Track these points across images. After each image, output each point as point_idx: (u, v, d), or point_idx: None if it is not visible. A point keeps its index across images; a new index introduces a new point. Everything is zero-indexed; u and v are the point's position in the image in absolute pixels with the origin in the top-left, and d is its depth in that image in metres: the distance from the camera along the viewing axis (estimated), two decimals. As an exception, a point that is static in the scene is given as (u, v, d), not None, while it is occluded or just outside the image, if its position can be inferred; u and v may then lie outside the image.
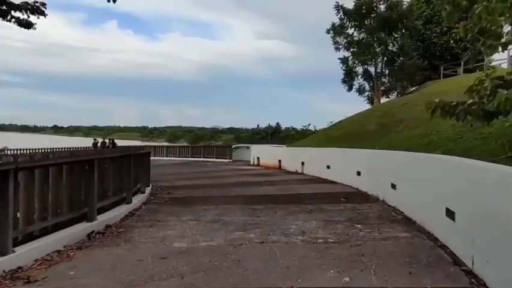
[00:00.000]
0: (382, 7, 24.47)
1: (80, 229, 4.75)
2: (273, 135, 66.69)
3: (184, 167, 19.29)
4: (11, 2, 16.31)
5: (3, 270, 3.41)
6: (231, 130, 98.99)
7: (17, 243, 3.78)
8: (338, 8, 24.09)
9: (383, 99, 26.81)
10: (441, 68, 25.96)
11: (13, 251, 3.62)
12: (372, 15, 24.14)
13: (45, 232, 4.33)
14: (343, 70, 26.09)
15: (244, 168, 17.07)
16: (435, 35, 28.06)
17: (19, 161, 4.07)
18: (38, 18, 16.81)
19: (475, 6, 5.24)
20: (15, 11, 16.32)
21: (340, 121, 21.76)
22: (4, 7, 16.26)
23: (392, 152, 7.64)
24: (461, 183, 4.06)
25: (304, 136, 31.36)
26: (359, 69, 26.31)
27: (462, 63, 25.26)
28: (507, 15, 5.23)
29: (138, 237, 4.81)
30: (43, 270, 3.60)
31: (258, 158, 19.46)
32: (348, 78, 26.29)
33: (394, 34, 25.01)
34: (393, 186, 6.96)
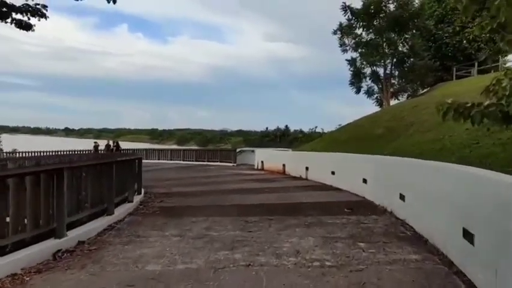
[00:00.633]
0: (391, 6, 23.75)
1: (46, 247, 4.23)
2: (282, 137, 66.07)
3: (187, 171, 18.79)
4: (12, 4, 16.08)
5: None
6: (239, 132, 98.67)
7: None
8: (345, 8, 23.45)
9: (393, 102, 26.01)
10: (454, 69, 25.05)
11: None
12: (381, 15, 23.42)
13: (2, 252, 3.81)
14: (350, 71, 25.44)
15: (247, 173, 16.48)
16: (447, 35, 27.18)
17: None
18: (39, 20, 16.55)
19: (494, -3, 4.59)
20: (16, 13, 16.09)
21: (347, 124, 21.05)
22: (4, 9, 16.03)
23: (401, 159, 6.97)
24: (483, 201, 3.41)
25: (311, 139, 30.67)
26: (367, 70, 25.64)
27: (476, 64, 24.31)
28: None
29: (110, 257, 4.25)
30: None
31: (262, 162, 18.87)
32: (356, 80, 25.60)
33: (404, 34, 24.23)
34: (402, 197, 6.30)
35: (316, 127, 40.08)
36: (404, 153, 10.97)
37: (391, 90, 25.78)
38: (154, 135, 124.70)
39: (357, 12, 23.40)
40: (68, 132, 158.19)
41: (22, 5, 15.97)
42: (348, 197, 8.93)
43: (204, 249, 4.53)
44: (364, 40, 24.33)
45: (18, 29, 16.03)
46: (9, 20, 15.99)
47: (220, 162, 23.54)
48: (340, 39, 24.32)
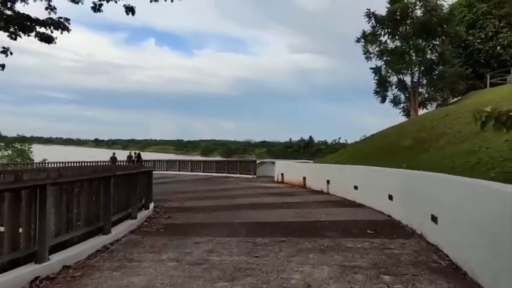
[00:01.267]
0: (419, 12, 22.67)
1: (23, 274, 3.77)
2: (306, 148, 65.12)
3: (205, 183, 18.38)
4: (36, 18, 16.47)
5: None
6: (263, 143, 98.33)
7: None
8: (369, 15, 22.59)
9: (421, 111, 24.69)
10: (488, 77, 23.52)
11: None
12: (408, 21, 22.40)
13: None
14: (375, 80, 24.37)
15: (266, 186, 15.84)
16: (479, 40, 25.73)
17: None
18: (62, 33, 16.86)
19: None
20: (40, 27, 16.47)
21: (372, 135, 20.03)
22: (28, 23, 16.43)
23: (432, 175, 6.14)
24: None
25: (334, 150, 29.68)
26: (393, 78, 24.49)
27: (512, 71, 22.74)
28: None
29: (92, 287, 3.74)
30: None
31: (282, 174, 18.18)
32: (381, 88, 24.50)
33: (433, 41, 23.02)
34: (434, 218, 5.47)
35: (339, 138, 39.03)
36: (434, 167, 9.99)
37: (419, 99, 24.49)
38: (179, 146, 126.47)
39: (382, 19, 22.50)
40: (97, 143, 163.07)
41: (46, 18, 16.34)
42: (371, 215, 8.11)
43: (200, 279, 3.93)
44: (389, 48, 23.30)
45: (42, 42, 16.38)
46: (33, 34, 16.38)
47: (240, 174, 23.03)
48: (364, 47, 23.43)
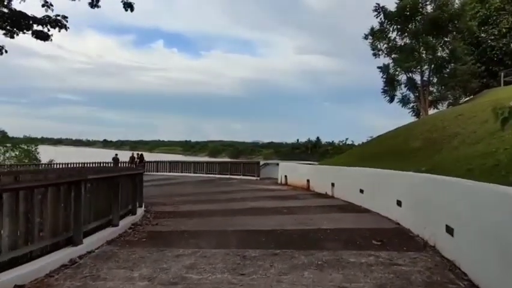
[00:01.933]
0: (429, 8, 21.80)
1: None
2: (313, 149, 64.26)
3: (206, 185, 17.79)
4: (33, 16, 16.09)
5: None
6: (271, 144, 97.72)
7: None
8: (378, 9, 21.77)
9: (431, 111, 23.78)
10: (502, 75, 22.53)
11: None
12: (418, 17, 21.53)
13: None
14: (383, 79, 23.51)
15: (268, 189, 15.17)
16: (492, 37, 24.75)
17: None
18: (60, 31, 16.48)
19: None
20: (37, 25, 16.10)
21: (379, 136, 19.23)
22: (26, 21, 16.06)
23: (446, 180, 5.42)
24: None
25: (341, 151, 28.86)
26: (402, 77, 23.61)
27: (528, 68, 21.73)
28: None
29: (39, 314, 3.14)
30: None
31: (285, 176, 17.49)
32: (390, 87, 23.64)
33: (444, 37, 22.11)
34: (450, 230, 4.77)
35: (347, 139, 38.05)
36: (448, 170, 9.23)
37: (429, 98, 23.57)
38: (187, 147, 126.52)
39: (391, 15, 21.65)
40: (106, 143, 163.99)
41: (43, 16, 15.96)
42: (378, 222, 7.40)
43: (170, 305, 3.30)
44: (398, 45, 22.43)
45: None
46: (29, 32, 16.02)
47: (243, 175, 22.40)
48: (372, 43, 22.59)
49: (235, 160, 40.89)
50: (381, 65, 23.33)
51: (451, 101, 23.65)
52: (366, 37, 22.74)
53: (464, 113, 15.14)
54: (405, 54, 21.76)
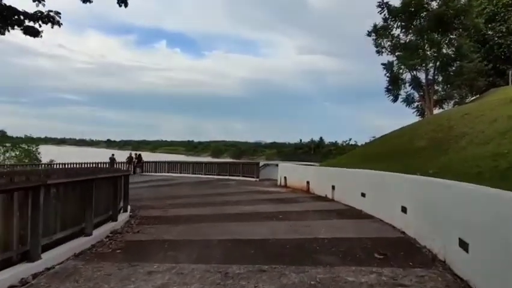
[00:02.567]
0: (434, 4, 21.07)
1: None
2: (316, 150, 63.49)
3: (202, 186, 17.20)
4: (25, 12, 15.58)
5: None
6: (273, 145, 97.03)
7: None
8: (382, 5, 21.06)
9: (436, 110, 23.03)
10: (510, 73, 21.77)
11: None
12: (423, 13, 20.81)
13: None
14: (387, 77, 22.80)
15: (266, 191, 14.54)
16: (500, 34, 23.98)
17: None
18: (53, 27, 15.97)
19: None
20: (29, 21, 15.59)
21: (382, 136, 18.54)
22: (17, 17, 15.55)
23: (463, 187, 4.74)
24: None
25: (344, 152, 28.16)
26: (406, 75, 22.88)
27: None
28: None
29: None
30: None
31: (285, 177, 16.85)
32: (394, 86, 22.92)
33: (449, 34, 21.36)
34: (464, 244, 4.12)
35: (350, 139, 37.32)
36: (456, 172, 8.57)
37: (434, 97, 22.84)
38: (190, 147, 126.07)
39: (395, 11, 20.94)
40: (109, 143, 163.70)
41: (35, 12, 15.46)
42: (381, 230, 6.75)
43: None
44: (402, 42, 21.71)
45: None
46: (20, 28, 15.51)
47: (242, 176, 21.79)
48: (375, 41, 21.88)
49: (234, 161, 40.25)
50: (384, 62, 22.64)
51: (456, 100, 22.88)
52: (369, 34, 22.04)
53: (471, 112, 14.45)
54: (409, 51, 21.03)
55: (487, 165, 8.51)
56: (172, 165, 27.62)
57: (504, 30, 23.87)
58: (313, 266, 4.53)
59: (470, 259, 4.00)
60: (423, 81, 22.46)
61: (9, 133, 45.20)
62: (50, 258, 4.37)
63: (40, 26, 15.68)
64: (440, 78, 22.62)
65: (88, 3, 15.05)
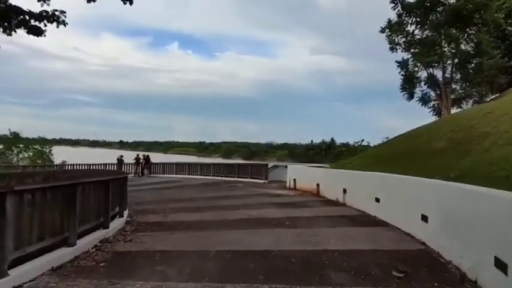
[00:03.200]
0: (451, -2, 20.07)
1: None
2: (327, 151, 62.42)
3: (209, 189, 16.66)
4: (30, 12, 15.38)
5: None
6: (285, 145, 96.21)
7: None
8: (396, 1, 20.16)
9: (454, 110, 21.96)
10: (533, 69, 20.60)
11: None
12: (439, 8, 19.85)
13: None
14: (401, 75, 21.84)
15: (274, 194, 13.91)
16: (521, 30, 22.76)
17: None
18: (58, 27, 15.74)
19: None
20: (35, 21, 15.40)
21: (397, 136, 17.68)
22: (21, 17, 15.36)
23: (498, 196, 4.03)
24: None
25: (356, 153, 27.31)
26: (422, 73, 21.89)
27: None
28: None
29: None
30: None
31: (294, 180, 16.19)
32: (409, 84, 21.94)
33: (468, 30, 20.32)
34: (502, 265, 3.44)
35: (362, 140, 36.29)
36: (481, 176, 7.80)
37: (452, 96, 21.80)
38: (201, 148, 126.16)
39: (410, 6, 20.04)
40: (122, 144, 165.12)
41: (40, 11, 15.26)
42: (398, 241, 6.05)
43: None
44: (418, 38, 20.76)
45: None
46: (25, 28, 15.32)
47: (251, 178, 21.19)
48: (389, 37, 20.99)
49: (243, 162, 39.66)
50: (399, 59, 21.73)
51: (476, 98, 21.79)
52: (382, 30, 21.17)
53: (493, 110, 13.50)
54: (425, 48, 20.07)
55: (516, 168, 7.69)
56: (180, 167, 27.20)
57: (526, 25, 22.68)
58: (321, 287, 3.90)
59: (509, 283, 3.32)
60: (440, 79, 21.48)
61: (25, 134, 45.75)
62: (19, 274, 3.85)
63: (45, 25, 15.47)
64: (458, 76, 21.59)
65: (91, 2, 14.76)
